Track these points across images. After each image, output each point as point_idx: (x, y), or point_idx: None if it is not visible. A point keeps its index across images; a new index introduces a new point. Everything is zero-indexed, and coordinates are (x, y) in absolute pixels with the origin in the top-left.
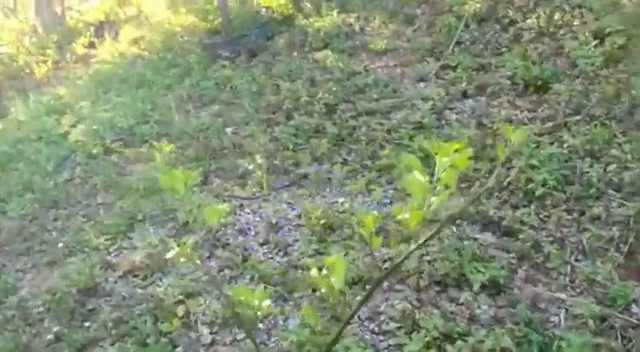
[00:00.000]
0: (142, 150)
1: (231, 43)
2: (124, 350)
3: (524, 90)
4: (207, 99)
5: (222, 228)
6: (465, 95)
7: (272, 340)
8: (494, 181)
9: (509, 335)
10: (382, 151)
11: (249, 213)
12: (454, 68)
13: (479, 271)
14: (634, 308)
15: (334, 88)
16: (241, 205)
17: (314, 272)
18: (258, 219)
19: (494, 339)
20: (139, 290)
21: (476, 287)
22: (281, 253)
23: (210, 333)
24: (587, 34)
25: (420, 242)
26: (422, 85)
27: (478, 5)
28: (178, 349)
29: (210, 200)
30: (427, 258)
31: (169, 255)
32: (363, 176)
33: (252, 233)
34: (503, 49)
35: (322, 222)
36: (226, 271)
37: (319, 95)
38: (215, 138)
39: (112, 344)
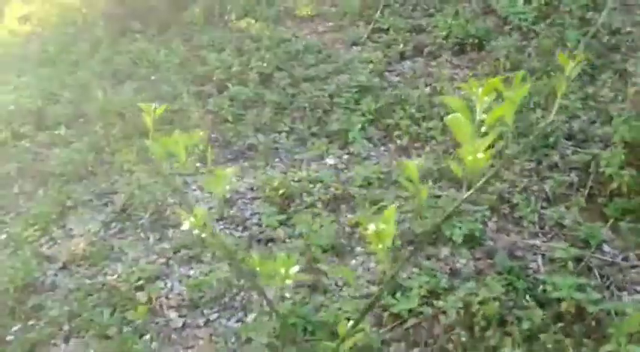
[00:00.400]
0: (59, 132)
1: (140, 14)
2: (81, 345)
3: (460, 49)
4: (124, 75)
5: (169, 207)
6: (402, 57)
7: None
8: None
9: (496, 284)
10: (328, 117)
11: (196, 190)
12: (386, 31)
13: (455, 226)
14: (605, 248)
15: (266, 56)
16: (185, 182)
17: (371, 228)
18: (207, 194)
19: (484, 290)
20: (88, 281)
21: (454, 242)
22: (240, 228)
23: (180, 317)
24: None
25: (489, 175)
26: (356, 49)
27: None
28: (146, 337)
29: (150, 180)
30: (400, 217)
31: (184, 226)
32: (313, 143)
33: (205, 209)
34: (432, 10)
35: (281, 192)
36: (183, 251)
37: (251, 64)
38: (141, 115)
39: (66, 341)
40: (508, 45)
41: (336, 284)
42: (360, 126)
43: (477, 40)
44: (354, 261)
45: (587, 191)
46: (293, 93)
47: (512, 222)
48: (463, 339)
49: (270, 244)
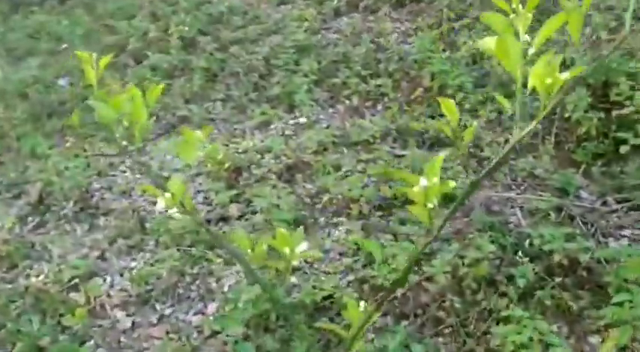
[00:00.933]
0: None
1: None
2: None
3: (398, 2)
4: (23, 51)
5: (96, 193)
6: (337, 13)
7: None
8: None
9: (484, 243)
10: (266, 81)
11: (125, 171)
12: None
13: None
14: (583, 194)
15: (186, 20)
16: (111, 164)
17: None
18: (139, 176)
19: (470, 251)
20: (8, 286)
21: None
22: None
23: (128, 315)
24: None
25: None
26: (285, 7)
27: None
28: (89, 344)
29: (70, 163)
30: (363, 182)
31: (158, 206)
32: (253, 111)
33: (139, 192)
34: None
35: (226, 166)
36: (120, 241)
37: (170, 29)
38: (48, 93)
39: None
40: None
41: (306, 261)
42: (306, 88)
43: None
44: (320, 233)
45: (553, 138)
46: (222, 58)
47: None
48: (457, 305)
49: (221, 223)
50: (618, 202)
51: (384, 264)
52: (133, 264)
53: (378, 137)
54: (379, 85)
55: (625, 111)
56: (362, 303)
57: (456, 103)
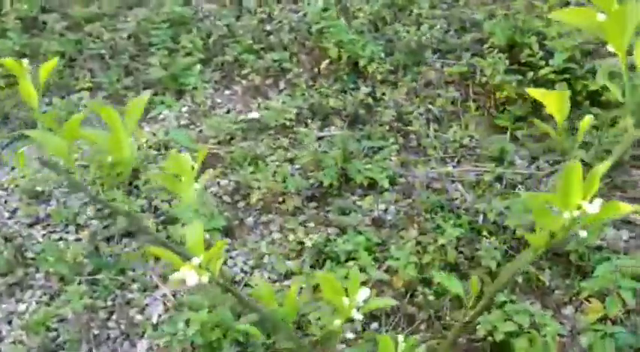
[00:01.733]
0: None
1: None
2: None
3: None
4: None
5: None
6: None
7: None
8: None
9: (446, 225)
10: (140, 63)
11: None
12: None
13: (359, 171)
14: (517, 160)
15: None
16: None
17: None
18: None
19: (428, 237)
20: None
21: (363, 186)
22: (73, 224)
23: None
24: None
25: None
26: None
27: None
28: None
29: None
30: (288, 171)
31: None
32: (132, 98)
33: (6, 214)
34: None
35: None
36: None
37: (5, 8)
38: None
39: None
40: None
41: (242, 270)
42: (198, 68)
43: None
44: (252, 237)
45: (473, 105)
46: (77, 39)
47: (412, 151)
48: (429, 298)
49: (125, 239)
50: (551, 164)
51: (340, 264)
52: (22, 306)
53: (294, 119)
54: (276, 60)
55: (542, 72)
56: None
57: (370, 74)
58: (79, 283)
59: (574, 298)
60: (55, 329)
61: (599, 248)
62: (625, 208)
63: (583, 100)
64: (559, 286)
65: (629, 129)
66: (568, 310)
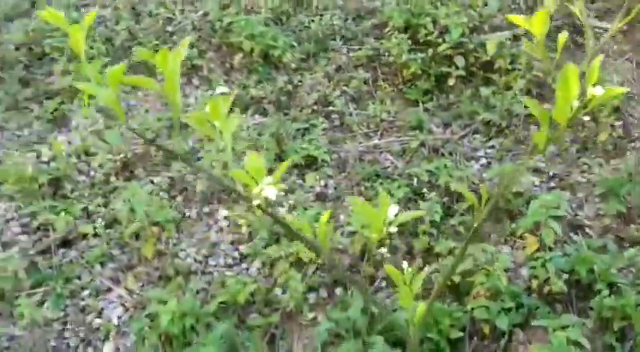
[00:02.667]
0: None
1: None
2: None
3: None
4: None
5: None
6: None
7: None
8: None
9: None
10: (37, 73)
11: None
12: None
13: (296, 151)
14: (433, 128)
15: None
16: None
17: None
18: None
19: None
20: None
21: (300, 166)
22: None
23: None
24: None
25: None
26: None
27: None
28: None
29: None
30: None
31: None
32: (35, 109)
33: None
34: None
35: (41, 181)
36: None
37: None
38: None
39: None
40: None
41: (196, 260)
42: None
43: None
44: (202, 228)
45: (383, 83)
46: None
47: (339, 130)
48: (387, 256)
49: (64, 249)
50: (462, 128)
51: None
52: None
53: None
54: (187, 59)
55: (440, 48)
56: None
57: (284, 64)
58: (21, 297)
59: (508, 238)
60: (7, 348)
61: (519, 193)
62: (618, 90)
63: (477, 71)
64: (494, 230)
65: None
66: (506, 249)
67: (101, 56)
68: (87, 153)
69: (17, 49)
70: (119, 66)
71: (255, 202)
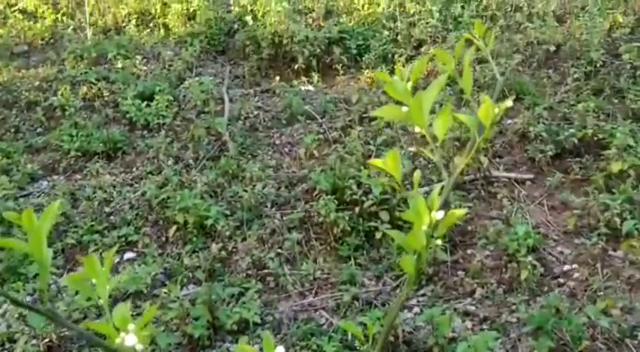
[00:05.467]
0: None
1: None
2: None
3: None
4: None
5: None
6: None
7: None
8: None
9: None
10: None
11: None
12: None
13: (229, 316)
14: (366, 282)
15: None
16: None
17: None
18: None
19: None
20: None
21: (231, 334)
22: None
23: None
24: None
25: None
26: None
27: None
28: None
29: None
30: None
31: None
32: None
33: None
34: None
35: None
36: None
37: None
38: None
39: None
40: None
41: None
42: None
43: None
44: None
45: (316, 242)
46: None
47: (274, 292)
48: None
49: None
50: (394, 279)
51: None
52: None
53: (149, 284)
54: (122, 236)
55: (365, 205)
56: None
57: (218, 232)
58: None
59: None
60: None
61: (453, 339)
62: (459, 213)
63: (403, 224)
64: None
65: None
66: None
67: None
68: (11, 341)
69: None
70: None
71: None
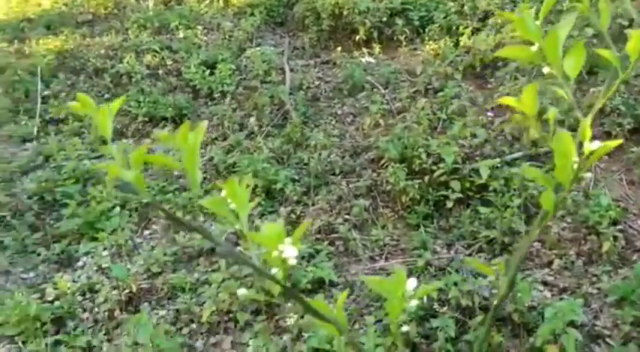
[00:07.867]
0: None
1: None
2: None
3: None
4: None
5: None
6: None
7: None
8: None
9: None
10: (47, 219)
11: None
12: None
13: (304, 275)
14: (437, 249)
15: None
16: None
17: None
18: None
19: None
20: None
21: (304, 292)
22: None
23: None
24: None
25: None
26: None
27: None
28: None
29: None
30: None
31: None
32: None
33: None
34: None
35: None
36: None
37: None
38: None
39: None
40: None
41: None
42: (117, 211)
43: None
44: None
45: (384, 210)
46: None
47: (344, 255)
48: None
49: None
50: (466, 248)
51: None
52: None
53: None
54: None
55: (436, 174)
56: None
57: (286, 196)
58: None
59: None
60: None
61: (533, 307)
62: (613, 143)
63: (474, 194)
64: (512, 345)
65: None
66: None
67: (110, 198)
68: (92, 291)
69: (30, 198)
70: (142, 146)
71: (274, 271)
